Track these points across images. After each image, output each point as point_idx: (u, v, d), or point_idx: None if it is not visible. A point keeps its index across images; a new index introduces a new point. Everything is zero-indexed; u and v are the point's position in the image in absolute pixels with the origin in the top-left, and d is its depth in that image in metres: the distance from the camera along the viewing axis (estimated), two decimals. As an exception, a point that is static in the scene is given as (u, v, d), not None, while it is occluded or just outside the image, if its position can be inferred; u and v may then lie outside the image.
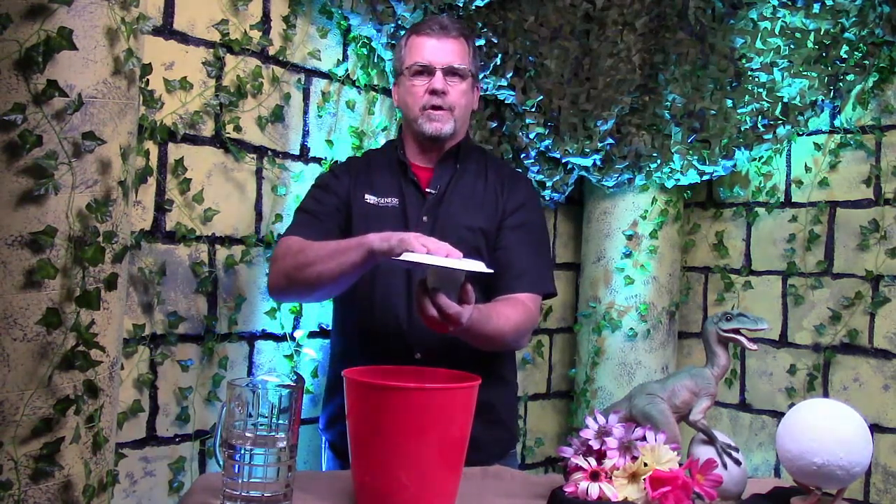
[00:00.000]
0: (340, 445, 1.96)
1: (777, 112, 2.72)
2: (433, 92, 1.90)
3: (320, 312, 2.34)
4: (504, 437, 1.99)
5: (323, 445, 2.10)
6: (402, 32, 2.37)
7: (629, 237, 2.94)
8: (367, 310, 1.88)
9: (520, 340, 1.88)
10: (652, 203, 2.94)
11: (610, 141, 2.81)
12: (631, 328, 2.93)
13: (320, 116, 2.37)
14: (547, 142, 2.78)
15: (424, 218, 1.89)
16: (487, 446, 1.88)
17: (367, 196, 1.93)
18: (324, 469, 2.08)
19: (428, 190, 1.94)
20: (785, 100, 2.71)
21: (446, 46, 1.92)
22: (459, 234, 1.84)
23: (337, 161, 2.32)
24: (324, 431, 2.04)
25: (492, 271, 1.55)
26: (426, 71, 1.91)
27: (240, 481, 1.36)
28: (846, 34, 2.61)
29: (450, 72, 1.91)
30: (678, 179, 2.89)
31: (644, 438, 1.43)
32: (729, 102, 2.74)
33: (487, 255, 1.91)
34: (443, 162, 1.96)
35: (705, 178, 2.90)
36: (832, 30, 2.61)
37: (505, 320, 1.77)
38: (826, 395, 2.75)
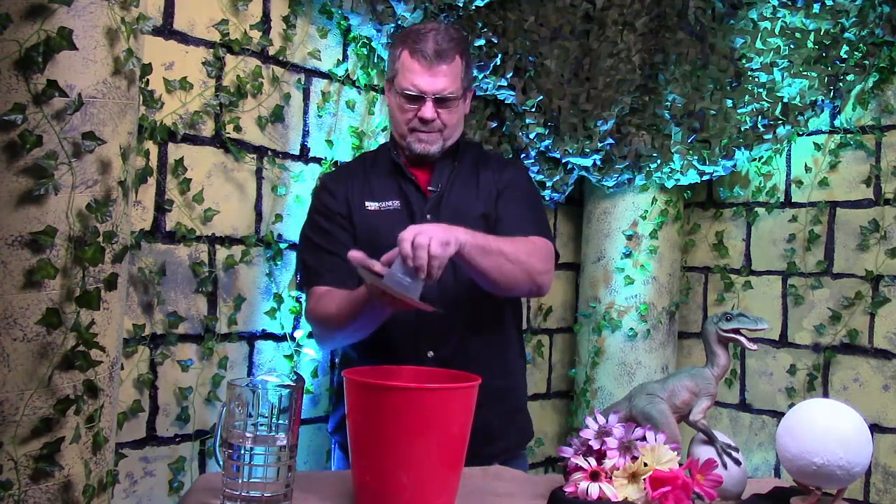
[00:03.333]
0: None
1: (777, 112, 2.72)
2: (422, 121, 1.88)
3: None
4: (522, 426, 2.00)
5: (332, 446, 2.10)
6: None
7: (629, 237, 2.94)
8: None
9: (533, 264, 1.80)
10: (652, 203, 2.94)
11: (610, 141, 2.81)
12: (631, 328, 2.93)
13: (320, 116, 2.37)
14: (547, 142, 2.78)
15: (428, 216, 1.90)
16: (508, 436, 1.90)
17: (367, 203, 1.93)
18: (333, 469, 2.08)
19: (429, 188, 1.94)
20: (785, 100, 2.71)
21: (438, 73, 1.87)
22: (465, 225, 1.82)
23: (327, 173, 2.24)
24: (333, 434, 2.04)
25: (434, 310, 1.59)
26: (417, 98, 1.88)
27: (240, 481, 1.36)
28: (846, 34, 2.61)
29: (441, 100, 1.88)
30: (678, 179, 2.89)
31: (644, 438, 1.43)
32: (729, 102, 2.74)
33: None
34: (440, 161, 1.96)
35: (705, 178, 2.90)
36: (832, 30, 2.61)
37: (502, 241, 1.76)
38: (826, 395, 2.75)
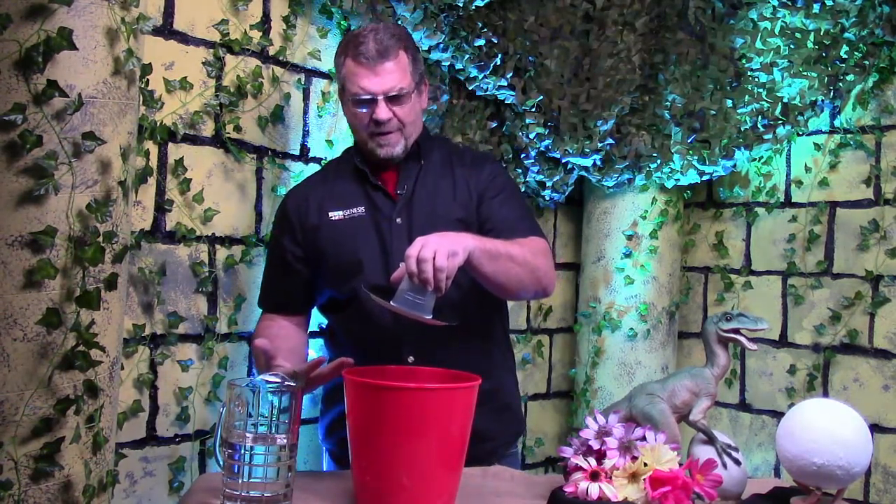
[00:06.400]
0: (340, 453, 1.96)
1: (777, 112, 2.72)
2: (377, 123, 1.84)
3: (320, 314, 2.34)
4: (511, 424, 1.99)
5: (324, 454, 2.10)
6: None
7: (629, 237, 2.94)
8: (355, 319, 1.87)
9: (539, 266, 1.80)
10: (652, 203, 2.94)
11: (610, 141, 2.81)
12: (631, 328, 2.93)
13: (320, 116, 2.37)
14: (547, 142, 2.78)
15: (398, 220, 1.87)
16: (497, 435, 1.89)
17: (331, 214, 1.90)
18: (324, 473, 2.08)
19: (397, 192, 1.90)
20: (785, 100, 2.71)
21: (384, 71, 1.83)
22: (439, 227, 1.75)
23: (292, 188, 2.11)
24: (324, 440, 2.03)
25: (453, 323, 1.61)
26: (368, 101, 1.84)
27: (240, 481, 1.36)
28: (846, 34, 2.61)
29: (392, 98, 1.84)
30: (678, 179, 2.89)
31: (644, 438, 1.43)
32: (729, 102, 2.74)
33: None
34: (406, 161, 1.92)
35: (705, 178, 2.90)
36: (832, 30, 2.61)
37: (509, 245, 1.75)
38: (826, 395, 2.75)
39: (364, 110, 1.86)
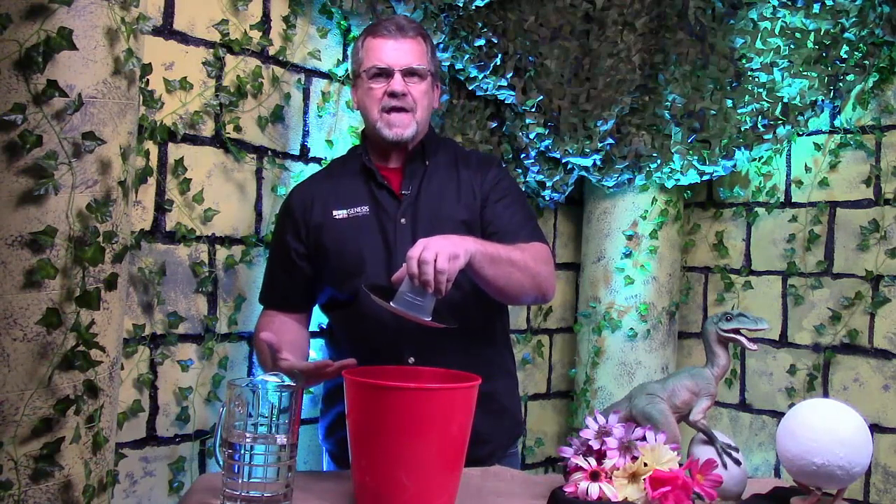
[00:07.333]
0: (340, 454, 1.96)
1: (777, 112, 2.72)
2: (392, 94, 1.86)
3: (320, 314, 2.34)
4: (509, 427, 1.98)
5: (324, 454, 2.10)
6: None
7: (629, 237, 2.95)
8: (356, 318, 1.87)
9: (539, 271, 1.81)
10: (652, 203, 2.94)
11: (610, 141, 2.81)
12: (631, 328, 2.93)
13: (320, 116, 2.37)
14: (547, 142, 2.78)
15: (403, 220, 1.87)
16: (494, 438, 1.89)
17: (334, 212, 1.90)
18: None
19: (402, 192, 1.91)
20: (785, 100, 2.71)
21: (404, 47, 1.88)
22: (443, 228, 1.77)
23: (296, 185, 2.10)
24: (324, 441, 2.03)
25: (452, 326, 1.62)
26: (384, 73, 1.87)
27: (240, 481, 1.36)
28: (846, 34, 2.61)
29: (409, 72, 1.88)
30: (678, 179, 2.89)
31: (644, 438, 1.43)
32: (729, 102, 2.74)
33: None
34: (411, 161, 1.93)
35: (705, 178, 2.90)
36: (832, 30, 2.61)
37: (511, 250, 1.76)
38: (826, 395, 2.75)
39: (379, 85, 1.88)
